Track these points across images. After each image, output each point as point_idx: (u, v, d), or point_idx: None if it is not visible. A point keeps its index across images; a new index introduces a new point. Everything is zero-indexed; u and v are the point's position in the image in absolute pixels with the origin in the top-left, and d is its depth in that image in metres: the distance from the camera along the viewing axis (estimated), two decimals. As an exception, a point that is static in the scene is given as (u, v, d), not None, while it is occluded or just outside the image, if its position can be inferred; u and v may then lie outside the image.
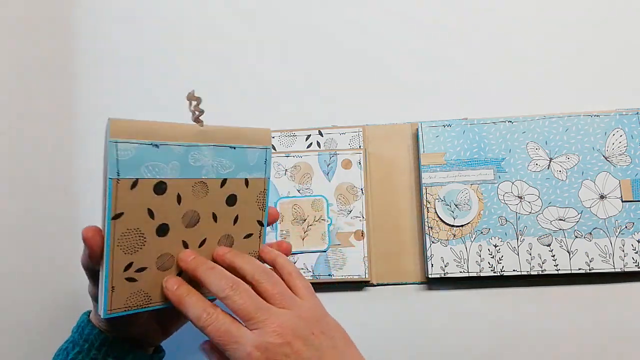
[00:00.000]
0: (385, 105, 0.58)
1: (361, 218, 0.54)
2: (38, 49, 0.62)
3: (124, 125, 0.33)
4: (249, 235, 0.42)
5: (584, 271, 0.50)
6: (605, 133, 0.52)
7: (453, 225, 0.52)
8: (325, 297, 0.56)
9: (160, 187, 0.36)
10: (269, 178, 0.42)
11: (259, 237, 0.42)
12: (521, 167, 0.53)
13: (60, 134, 0.60)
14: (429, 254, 0.52)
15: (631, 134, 0.52)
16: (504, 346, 0.52)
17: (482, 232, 0.52)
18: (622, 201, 0.51)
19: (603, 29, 0.57)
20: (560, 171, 0.52)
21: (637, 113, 0.52)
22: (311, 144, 0.57)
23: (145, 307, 0.37)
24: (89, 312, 0.43)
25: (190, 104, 0.39)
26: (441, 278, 0.52)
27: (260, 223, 0.42)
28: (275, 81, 0.59)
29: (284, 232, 0.54)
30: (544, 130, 0.53)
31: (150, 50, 0.61)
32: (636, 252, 0.50)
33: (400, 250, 0.54)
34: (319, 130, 0.57)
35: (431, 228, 0.52)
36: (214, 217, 0.39)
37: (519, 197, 0.52)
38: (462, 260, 0.52)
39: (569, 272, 0.50)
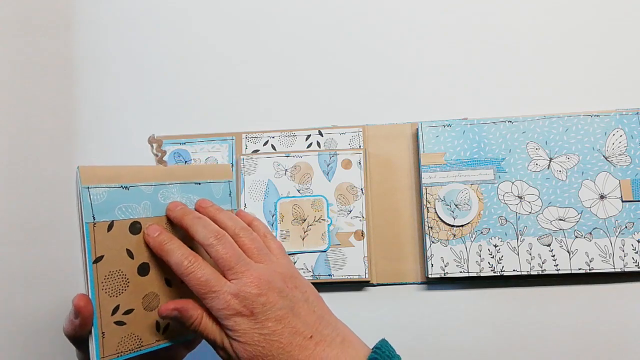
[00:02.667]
0: (385, 105, 0.58)
1: (361, 218, 0.54)
2: (38, 48, 0.62)
3: (94, 171, 0.36)
4: None
5: (584, 271, 0.50)
6: (605, 133, 0.52)
7: (453, 225, 0.52)
8: (325, 297, 0.56)
9: (135, 227, 0.37)
10: (235, 209, 0.44)
11: None
12: (521, 167, 0.53)
13: (60, 134, 0.60)
14: (429, 254, 0.52)
15: (631, 134, 0.52)
16: (504, 346, 0.52)
17: (482, 232, 0.52)
18: (622, 201, 0.51)
19: (603, 28, 0.57)
20: (560, 171, 0.52)
21: (637, 113, 0.52)
22: (311, 144, 0.57)
23: (137, 351, 0.37)
24: None
25: (152, 147, 0.41)
26: (441, 278, 0.52)
27: None
28: (276, 81, 0.59)
29: (284, 232, 0.54)
30: (544, 130, 0.53)
31: (151, 50, 0.61)
32: (636, 252, 0.50)
33: (400, 250, 0.54)
34: (319, 130, 0.57)
35: (431, 228, 0.52)
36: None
37: (519, 197, 0.52)
38: (462, 260, 0.52)
39: (569, 272, 0.50)
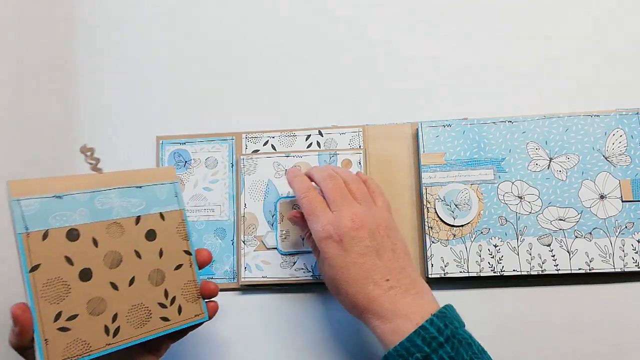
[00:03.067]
0: (385, 105, 0.58)
1: (361, 218, 0.54)
2: (38, 49, 0.62)
3: (23, 185, 0.36)
4: (179, 266, 0.43)
5: (584, 271, 0.50)
6: (605, 133, 0.52)
7: (453, 225, 0.52)
8: (325, 297, 0.56)
9: (72, 234, 0.37)
10: (184, 209, 0.44)
11: (190, 265, 0.43)
12: (521, 167, 0.53)
13: (60, 134, 0.60)
14: (429, 254, 0.52)
15: (631, 134, 0.52)
16: (504, 346, 0.52)
17: (482, 232, 0.52)
18: (622, 201, 0.51)
19: (603, 28, 0.57)
20: (560, 171, 0.52)
21: (637, 113, 0.52)
22: (311, 144, 0.57)
23: (86, 356, 0.37)
24: None
25: (86, 155, 0.41)
26: (441, 278, 0.52)
27: (188, 252, 0.43)
28: (275, 81, 0.59)
29: (283, 232, 0.54)
30: (544, 130, 0.53)
31: (151, 50, 0.61)
32: (636, 252, 0.50)
33: (400, 250, 0.54)
34: (319, 130, 0.57)
35: (431, 228, 0.52)
36: (137, 254, 0.40)
37: (519, 197, 0.52)
38: (462, 260, 0.52)
39: (569, 272, 0.50)
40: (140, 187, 0.42)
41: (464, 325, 0.40)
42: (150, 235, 0.41)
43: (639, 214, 0.51)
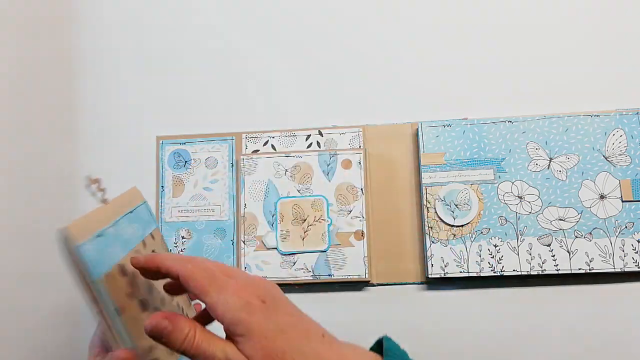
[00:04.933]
0: (385, 105, 0.58)
1: (361, 218, 0.54)
2: (39, 49, 0.62)
3: (75, 228, 0.32)
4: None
5: (584, 271, 0.50)
6: (605, 133, 0.52)
7: (453, 225, 0.52)
8: (325, 297, 0.56)
9: (122, 269, 0.36)
10: (157, 226, 0.43)
11: None
12: (521, 167, 0.53)
13: (60, 133, 0.60)
14: (429, 254, 0.52)
15: (631, 134, 0.52)
16: (504, 346, 0.52)
17: (482, 232, 0.52)
18: (622, 201, 0.51)
19: (603, 29, 0.57)
20: (560, 171, 0.52)
21: (637, 113, 0.52)
22: (311, 144, 0.57)
23: None
24: None
25: (93, 187, 0.40)
26: (441, 278, 0.52)
27: None
28: (275, 81, 0.59)
29: (283, 232, 0.54)
30: (544, 130, 0.53)
31: (151, 51, 0.61)
32: (636, 252, 0.50)
33: (400, 250, 0.54)
34: (319, 130, 0.57)
35: (431, 228, 0.52)
36: None
37: (519, 197, 0.52)
38: (462, 260, 0.52)
39: (569, 272, 0.50)
40: (132, 211, 0.40)
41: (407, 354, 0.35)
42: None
43: (639, 214, 0.51)
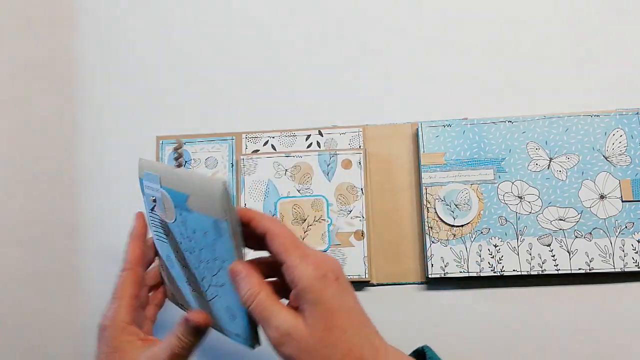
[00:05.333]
0: (385, 105, 0.58)
1: (361, 218, 0.54)
2: (38, 48, 0.62)
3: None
4: None
5: (584, 271, 0.50)
6: (605, 133, 0.52)
7: (453, 225, 0.52)
8: (325, 297, 0.55)
9: None
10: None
11: None
12: (521, 167, 0.53)
13: (60, 134, 0.60)
14: (429, 254, 0.52)
15: (631, 134, 0.52)
16: (504, 346, 0.52)
17: (482, 232, 0.52)
18: (622, 201, 0.51)
19: (603, 28, 0.57)
20: (560, 171, 0.52)
21: (637, 113, 0.52)
22: (311, 144, 0.57)
23: None
24: None
25: (177, 152, 0.42)
26: (441, 278, 0.52)
27: None
28: (275, 81, 0.59)
29: (284, 232, 0.54)
30: (544, 130, 0.53)
31: (151, 51, 0.61)
32: (636, 252, 0.50)
33: (400, 250, 0.54)
34: (319, 130, 0.57)
35: (431, 228, 0.52)
36: None
37: (519, 197, 0.52)
38: (462, 260, 0.52)
39: (569, 272, 0.50)
40: None
41: None
42: None
43: (639, 214, 0.51)
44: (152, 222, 0.43)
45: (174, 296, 0.47)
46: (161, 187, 0.39)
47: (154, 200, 0.40)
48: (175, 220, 0.39)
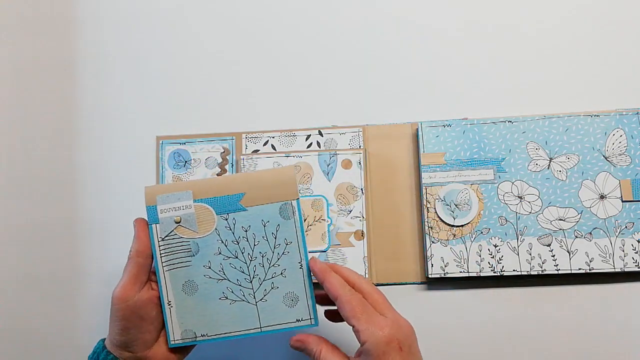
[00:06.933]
0: (385, 105, 0.58)
1: (361, 218, 0.54)
2: (38, 48, 0.62)
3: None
4: None
5: (584, 271, 0.50)
6: (605, 133, 0.52)
7: (453, 225, 0.52)
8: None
9: None
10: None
11: None
12: (521, 167, 0.53)
13: (60, 133, 0.60)
14: (429, 254, 0.52)
15: (631, 134, 0.52)
16: (504, 346, 0.52)
17: (482, 232, 0.52)
18: (622, 201, 0.51)
19: (603, 28, 0.57)
20: (560, 171, 0.52)
21: (637, 113, 0.52)
22: (311, 144, 0.57)
23: None
24: (104, 339, 0.43)
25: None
26: (441, 278, 0.52)
27: None
28: (275, 81, 0.59)
29: (284, 232, 0.54)
30: (544, 130, 0.53)
31: (151, 51, 0.61)
32: (636, 252, 0.50)
33: (400, 250, 0.54)
34: (319, 130, 0.57)
35: (431, 228, 0.52)
36: None
37: (519, 197, 0.52)
38: (462, 260, 0.52)
39: (569, 272, 0.50)
40: None
41: None
42: None
43: (639, 214, 0.51)
44: (166, 250, 0.41)
45: (187, 331, 0.43)
46: (195, 201, 0.38)
47: (178, 221, 0.40)
48: (214, 230, 0.39)
